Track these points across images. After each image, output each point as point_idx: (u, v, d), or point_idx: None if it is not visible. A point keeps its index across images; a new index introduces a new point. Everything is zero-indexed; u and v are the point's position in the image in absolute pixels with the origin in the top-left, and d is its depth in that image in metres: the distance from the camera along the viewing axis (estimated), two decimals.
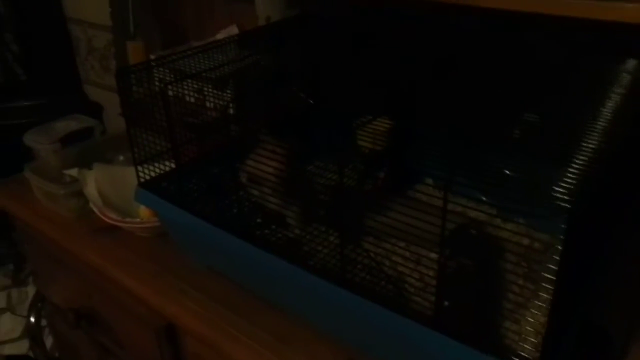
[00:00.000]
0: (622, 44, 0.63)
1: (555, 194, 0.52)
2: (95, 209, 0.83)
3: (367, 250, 0.66)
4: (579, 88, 0.67)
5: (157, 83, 0.79)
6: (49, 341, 1.17)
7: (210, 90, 0.89)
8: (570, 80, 0.68)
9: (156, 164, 0.73)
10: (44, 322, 1.18)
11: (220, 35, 1.11)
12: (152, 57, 1.15)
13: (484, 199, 0.71)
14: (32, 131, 0.99)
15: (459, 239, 0.65)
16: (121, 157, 0.97)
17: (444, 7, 0.67)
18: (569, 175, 0.54)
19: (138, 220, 0.81)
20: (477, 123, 0.75)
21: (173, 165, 0.72)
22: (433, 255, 0.56)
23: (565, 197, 0.49)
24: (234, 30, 1.10)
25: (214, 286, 0.72)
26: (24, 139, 0.98)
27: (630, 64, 0.64)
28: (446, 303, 0.57)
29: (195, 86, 0.76)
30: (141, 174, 0.73)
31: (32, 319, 1.12)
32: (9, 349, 1.30)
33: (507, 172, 0.74)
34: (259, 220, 0.70)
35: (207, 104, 0.92)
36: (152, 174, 0.73)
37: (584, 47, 0.68)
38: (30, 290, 1.31)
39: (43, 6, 1.55)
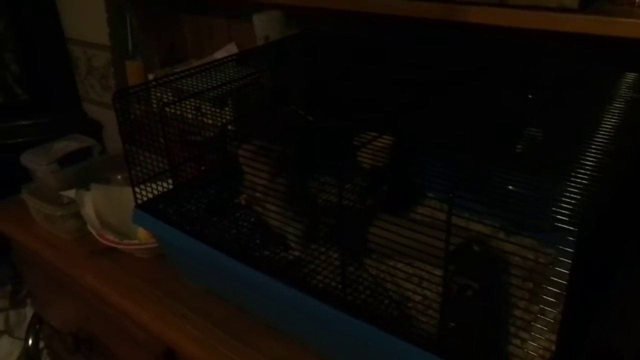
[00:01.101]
0: (623, 58, 0.63)
1: (561, 209, 0.51)
2: (92, 231, 0.81)
3: (369, 271, 0.65)
4: (580, 102, 0.67)
5: (154, 103, 0.79)
6: None
7: (209, 108, 0.88)
8: (572, 95, 0.67)
9: (155, 184, 0.72)
10: (42, 345, 1.16)
11: (219, 54, 1.11)
12: (151, 76, 1.14)
13: (487, 215, 0.70)
14: (29, 152, 0.98)
15: (462, 257, 0.64)
16: (119, 177, 0.96)
17: (442, 24, 0.67)
18: (574, 189, 0.53)
19: (136, 242, 0.79)
20: (479, 138, 0.74)
21: (171, 186, 0.71)
22: (437, 273, 0.54)
23: (573, 212, 0.48)
24: (233, 48, 1.10)
25: (215, 310, 0.70)
26: (22, 160, 0.97)
27: (631, 77, 0.63)
28: (451, 324, 0.55)
29: (194, 105, 0.76)
30: (139, 195, 0.72)
31: (30, 342, 1.10)
32: None
33: (511, 187, 0.73)
34: (258, 240, 0.69)
35: (206, 122, 0.91)
36: (150, 194, 0.72)
37: (585, 61, 0.67)
38: (29, 312, 1.29)
39: (43, 27, 1.56)
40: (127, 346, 0.82)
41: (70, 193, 0.87)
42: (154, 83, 0.79)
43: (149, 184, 0.72)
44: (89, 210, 0.82)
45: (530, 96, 0.66)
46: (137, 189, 0.71)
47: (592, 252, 0.51)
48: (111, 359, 0.89)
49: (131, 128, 0.78)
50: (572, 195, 0.51)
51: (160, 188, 0.71)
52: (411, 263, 0.61)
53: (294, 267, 0.63)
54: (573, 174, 0.62)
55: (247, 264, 0.60)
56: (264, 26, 0.83)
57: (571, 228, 0.44)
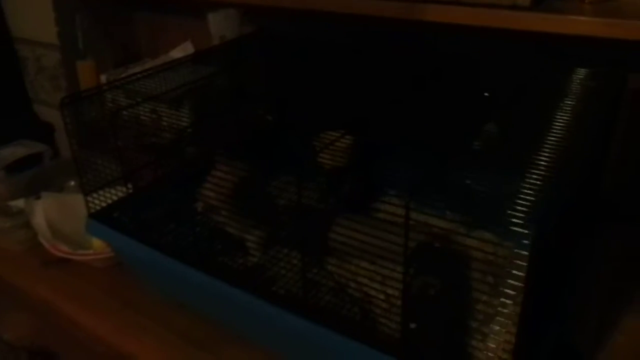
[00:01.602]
0: (575, 55, 0.64)
1: (517, 207, 0.52)
2: (44, 242, 0.78)
3: (331, 272, 0.65)
4: (535, 98, 0.67)
5: (109, 106, 0.76)
6: None
7: (165, 110, 0.85)
8: (527, 92, 0.68)
9: (109, 191, 0.69)
10: None
11: (174, 53, 1.08)
12: (104, 77, 1.11)
13: (447, 211, 0.70)
14: None
15: (423, 255, 0.64)
16: (72, 183, 0.93)
17: (400, 24, 0.66)
18: (529, 186, 0.54)
19: (92, 251, 0.77)
20: (436, 136, 0.74)
21: (128, 192, 0.69)
22: (399, 271, 0.54)
23: (528, 210, 0.49)
24: (188, 46, 1.07)
25: (176, 319, 0.68)
26: None
27: (582, 73, 0.64)
28: (412, 325, 0.55)
29: (149, 107, 0.73)
30: (92, 204, 0.69)
31: None
32: None
33: (469, 182, 0.74)
34: (219, 246, 0.67)
35: (163, 124, 0.89)
36: (104, 203, 0.69)
37: (541, 58, 0.68)
38: None
39: None
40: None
41: (19, 203, 0.83)
42: (105, 87, 0.76)
43: (103, 192, 0.69)
44: (39, 220, 0.79)
45: (486, 94, 0.67)
46: (89, 198, 0.68)
47: (549, 250, 0.51)
48: None
49: (83, 133, 0.75)
50: (528, 192, 0.52)
51: (115, 195, 0.69)
52: (374, 261, 0.61)
53: (254, 274, 0.62)
54: (528, 170, 0.63)
55: (205, 272, 0.59)
56: (220, 25, 0.81)
57: (524, 231, 0.44)
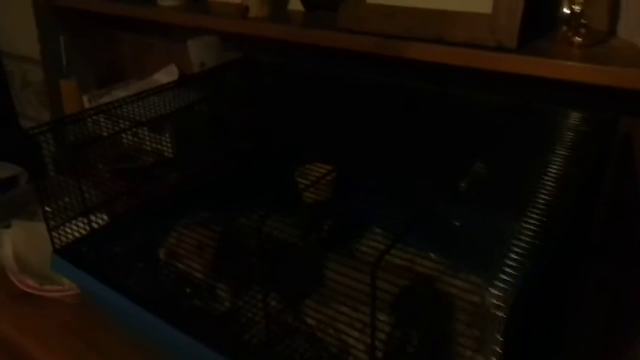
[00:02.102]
0: (567, 96, 0.61)
1: (506, 250, 0.49)
2: (10, 275, 0.75)
3: (306, 321, 0.61)
4: (525, 140, 0.65)
5: (88, 130, 0.73)
6: None
7: (146, 134, 0.83)
8: (516, 132, 0.65)
9: (79, 223, 0.66)
10: None
11: (158, 75, 1.05)
12: (86, 97, 1.08)
13: (432, 253, 0.68)
14: None
15: (405, 301, 0.61)
16: (49, 209, 0.89)
17: (384, 57, 0.64)
18: (521, 228, 0.51)
19: (59, 287, 0.73)
20: (422, 173, 0.71)
21: (95, 226, 0.65)
22: (382, 319, 0.51)
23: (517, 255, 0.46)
24: (173, 70, 1.05)
25: None
26: None
27: (574, 116, 0.61)
28: None
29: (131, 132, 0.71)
30: (57, 238, 0.66)
31: None
32: None
33: (456, 223, 0.71)
34: (188, 290, 0.64)
35: (146, 148, 0.86)
36: (74, 235, 0.66)
37: (530, 98, 0.65)
38: None
39: None
40: None
41: None
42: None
43: (73, 223, 0.66)
44: (7, 252, 0.75)
45: (475, 136, 0.64)
46: (54, 233, 0.65)
47: (535, 300, 0.49)
48: None
49: (62, 157, 0.72)
50: (516, 236, 0.50)
51: (85, 228, 0.65)
52: (355, 307, 0.58)
53: (224, 322, 0.58)
54: (517, 213, 0.60)
55: (169, 322, 0.55)
56: (199, 53, 0.78)
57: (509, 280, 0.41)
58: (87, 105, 1.06)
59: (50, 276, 0.75)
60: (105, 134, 0.72)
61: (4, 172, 0.94)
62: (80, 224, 0.66)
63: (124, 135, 0.74)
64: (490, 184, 0.69)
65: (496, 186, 0.68)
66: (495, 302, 0.50)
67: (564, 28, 0.55)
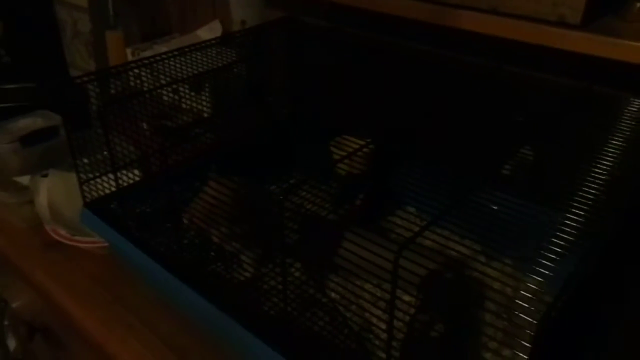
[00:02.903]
0: (628, 83, 0.55)
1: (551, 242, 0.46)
2: (44, 224, 0.76)
3: (329, 295, 0.60)
4: (581, 128, 0.60)
5: (132, 82, 0.72)
6: (12, 342, 1.12)
7: (186, 91, 0.82)
8: (574, 119, 0.60)
9: (112, 179, 0.65)
10: (7, 323, 1.13)
11: (201, 32, 1.03)
12: (129, 50, 1.07)
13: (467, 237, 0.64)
14: None
15: (432, 285, 0.58)
16: (85, 160, 0.90)
17: (436, 26, 0.59)
18: (568, 219, 0.48)
19: (89, 239, 0.74)
20: (464, 154, 0.67)
21: (126, 183, 0.65)
22: (406, 299, 0.49)
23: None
24: (216, 26, 1.02)
25: (163, 322, 0.65)
26: None
27: (636, 104, 0.56)
28: None
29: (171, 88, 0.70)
30: (87, 192, 0.66)
31: None
32: None
33: (495, 207, 0.67)
34: (212, 253, 0.63)
35: (183, 107, 0.85)
36: (102, 191, 0.66)
37: (590, 80, 0.60)
38: None
39: None
40: (78, 345, 0.78)
41: (25, 179, 0.81)
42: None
43: (105, 179, 0.66)
44: (42, 200, 0.77)
45: (520, 119, 0.59)
46: (84, 187, 0.65)
47: (579, 298, 0.45)
48: (66, 354, 0.85)
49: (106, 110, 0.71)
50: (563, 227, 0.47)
51: (113, 184, 0.65)
52: (380, 285, 0.56)
53: (244, 290, 0.57)
54: (565, 202, 0.56)
55: (190, 284, 0.55)
56: (241, 10, 0.75)
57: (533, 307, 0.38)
58: (130, 58, 1.05)
59: (82, 227, 0.76)
60: (145, 89, 0.71)
61: (46, 121, 0.95)
62: (112, 181, 0.65)
63: (164, 92, 0.73)
64: (536, 171, 0.64)
65: (543, 174, 0.64)
66: (529, 295, 0.47)
67: (638, 5, 0.49)
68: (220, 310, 0.52)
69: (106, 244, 0.74)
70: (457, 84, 0.66)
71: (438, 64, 0.68)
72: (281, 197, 0.46)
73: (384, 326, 0.52)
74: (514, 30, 0.51)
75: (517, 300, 0.47)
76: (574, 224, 0.55)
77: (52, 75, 1.56)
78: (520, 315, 0.45)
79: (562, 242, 0.55)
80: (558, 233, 0.57)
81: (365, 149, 0.68)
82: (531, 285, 0.48)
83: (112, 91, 0.77)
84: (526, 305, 0.46)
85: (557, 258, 0.54)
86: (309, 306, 0.59)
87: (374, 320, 0.55)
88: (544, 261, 0.53)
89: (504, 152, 0.63)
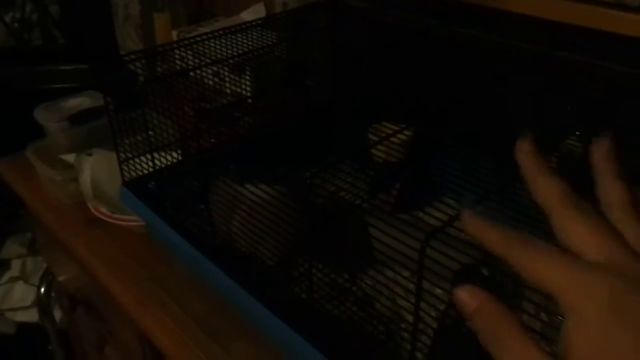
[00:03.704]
0: None
1: None
2: (87, 201, 0.78)
3: (359, 285, 0.59)
4: (635, 118, 0.56)
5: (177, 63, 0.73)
6: (58, 313, 1.17)
7: (226, 74, 0.82)
8: (629, 110, 0.56)
9: (149, 158, 0.67)
10: (54, 294, 1.18)
11: (245, 14, 1.03)
12: (175, 33, 1.08)
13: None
14: (42, 106, 0.95)
15: (467, 280, 0.56)
16: (126, 141, 0.92)
17: (482, 9, 0.56)
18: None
19: (128, 217, 0.76)
20: (510, 144, 0.64)
21: (163, 164, 0.66)
22: (438, 292, 0.47)
23: None
24: (260, 8, 1.02)
25: (197, 302, 0.66)
26: (34, 115, 0.94)
27: None
28: None
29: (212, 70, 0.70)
30: (127, 172, 0.67)
31: (43, 290, 1.12)
32: (20, 316, 1.32)
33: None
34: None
35: (225, 90, 0.85)
36: (141, 170, 0.67)
37: None
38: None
39: None
40: (116, 318, 0.81)
41: (71, 157, 0.83)
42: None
43: (139, 159, 0.67)
44: (86, 178, 0.79)
45: (569, 108, 0.56)
46: (124, 166, 0.67)
47: None
48: (106, 325, 0.88)
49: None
50: None
51: (165, 159, 0.66)
52: (412, 276, 0.55)
53: (275, 273, 0.57)
54: None
55: (220, 266, 0.55)
56: None
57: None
58: (175, 40, 1.06)
59: (122, 206, 0.78)
60: (191, 72, 0.72)
61: (94, 102, 0.97)
62: (150, 161, 0.66)
63: (205, 75, 0.74)
64: (585, 164, 0.61)
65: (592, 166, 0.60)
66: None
67: None
68: (248, 294, 0.52)
69: (143, 223, 0.75)
70: (503, 70, 0.63)
71: (483, 49, 0.65)
72: (309, 180, 0.45)
73: (412, 319, 0.51)
74: (566, 13, 0.48)
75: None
76: None
77: (104, 58, 1.60)
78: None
79: None
80: None
81: (403, 136, 0.66)
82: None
83: (158, 69, 0.78)
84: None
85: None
86: (338, 294, 0.59)
87: (404, 312, 0.53)
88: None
89: (550, 143, 0.60)
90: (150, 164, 0.65)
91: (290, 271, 0.57)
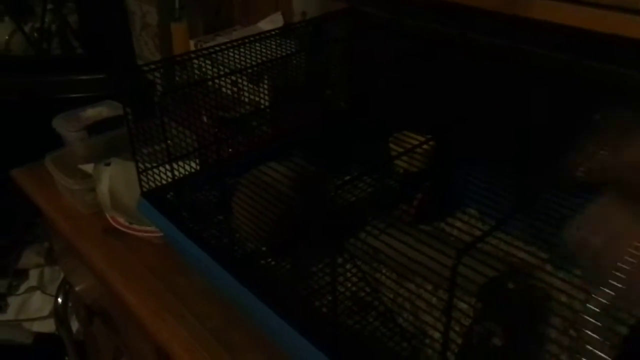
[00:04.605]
0: None
1: None
2: (104, 211, 0.78)
3: (381, 298, 0.57)
4: None
5: (196, 73, 0.73)
6: (75, 323, 1.17)
7: (244, 83, 0.81)
8: None
9: (167, 168, 0.66)
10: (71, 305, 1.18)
11: (263, 24, 1.03)
12: (192, 42, 1.09)
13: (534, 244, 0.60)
14: (61, 116, 0.95)
15: (492, 294, 0.55)
16: (145, 151, 0.92)
17: (503, 18, 0.55)
18: None
19: (146, 227, 0.75)
20: (533, 154, 0.63)
21: (181, 174, 0.65)
22: (462, 306, 0.46)
23: None
24: (278, 19, 1.01)
25: (214, 314, 0.65)
26: (53, 124, 0.95)
27: None
28: None
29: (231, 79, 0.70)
30: (145, 183, 0.67)
31: (60, 300, 1.12)
32: (37, 326, 1.32)
33: (567, 213, 0.62)
34: (264, 248, 0.62)
35: (244, 99, 0.85)
36: (160, 181, 0.67)
37: None
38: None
39: None
40: (133, 330, 0.80)
41: (89, 167, 0.83)
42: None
43: (159, 169, 0.66)
44: (104, 188, 0.78)
45: (598, 117, 0.54)
46: (142, 177, 0.66)
47: None
48: (122, 337, 0.87)
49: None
50: None
51: (184, 168, 0.65)
52: (436, 290, 0.53)
53: (295, 286, 0.56)
54: None
55: (239, 278, 0.54)
56: (302, 1, 0.74)
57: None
58: (192, 50, 1.06)
59: (140, 216, 0.78)
60: (209, 82, 0.72)
61: (112, 111, 0.98)
62: (168, 171, 0.66)
63: (223, 84, 0.73)
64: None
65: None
66: (599, 310, 0.43)
67: None
68: (267, 306, 0.51)
69: (161, 234, 0.75)
70: (528, 79, 0.61)
71: (507, 58, 0.64)
72: (333, 193, 0.44)
73: (437, 334, 0.49)
74: (595, 21, 0.46)
75: (585, 316, 0.43)
76: None
77: (122, 67, 1.61)
78: (589, 333, 0.41)
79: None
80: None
81: (425, 146, 0.65)
82: (602, 300, 0.44)
83: (177, 79, 0.78)
84: (596, 322, 0.42)
85: (634, 270, 0.49)
86: (360, 308, 0.57)
87: (428, 328, 0.52)
88: (618, 273, 0.48)
89: (578, 153, 0.59)
90: (169, 174, 0.65)
91: (311, 285, 0.56)
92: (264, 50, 0.78)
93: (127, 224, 0.76)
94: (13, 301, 1.37)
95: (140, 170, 0.66)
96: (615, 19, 0.45)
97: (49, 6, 1.58)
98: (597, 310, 0.42)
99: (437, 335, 0.50)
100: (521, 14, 0.51)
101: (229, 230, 0.57)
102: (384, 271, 0.60)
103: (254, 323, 0.60)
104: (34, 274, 1.37)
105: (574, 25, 0.49)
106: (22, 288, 1.38)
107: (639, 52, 0.49)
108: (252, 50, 0.77)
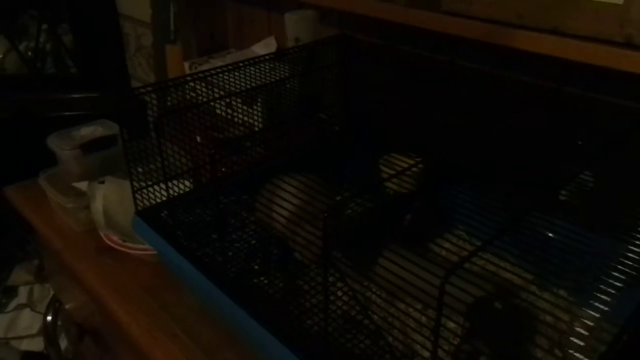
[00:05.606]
0: None
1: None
2: (98, 229, 0.79)
3: (371, 317, 0.59)
4: None
5: (189, 95, 0.74)
6: (64, 342, 1.16)
7: (239, 105, 0.83)
8: (637, 144, 0.56)
9: (165, 187, 0.67)
10: (60, 323, 1.17)
11: (256, 47, 1.05)
12: (187, 64, 1.11)
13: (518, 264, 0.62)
14: (55, 135, 0.97)
15: (479, 315, 0.56)
16: (140, 170, 0.93)
17: (490, 45, 0.58)
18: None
19: (140, 246, 0.76)
20: (521, 177, 0.65)
21: (176, 192, 0.67)
22: (451, 325, 0.47)
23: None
24: (271, 43, 1.04)
25: (207, 333, 0.66)
26: (47, 142, 0.96)
27: None
28: None
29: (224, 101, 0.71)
30: (140, 201, 0.68)
31: (49, 318, 1.11)
32: (26, 344, 1.31)
33: (550, 235, 0.64)
34: (256, 266, 0.63)
35: (236, 120, 0.86)
36: (154, 199, 0.68)
37: None
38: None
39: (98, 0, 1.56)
40: (125, 349, 0.80)
41: (83, 185, 0.84)
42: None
43: (152, 188, 0.68)
44: (98, 206, 0.79)
45: (579, 142, 0.57)
46: (137, 195, 0.67)
47: None
48: (112, 355, 0.87)
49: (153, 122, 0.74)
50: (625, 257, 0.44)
51: (178, 187, 0.67)
52: (424, 309, 0.55)
53: (287, 304, 0.57)
54: (627, 231, 0.53)
55: (233, 297, 0.55)
56: (295, 27, 0.76)
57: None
58: (187, 71, 1.08)
59: (134, 234, 0.78)
60: (200, 102, 0.73)
61: (106, 130, 0.99)
62: (163, 190, 0.67)
63: (217, 105, 0.75)
64: (596, 197, 0.61)
65: (603, 200, 0.60)
66: (584, 331, 0.44)
67: None
68: (260, 325, 0.52)
69: (155, 252, 0.76)
70: (513, 105, 0.64)
71: (494, 84, 0.67)
72: (325, 214, 0.45)
73: (427, 353, 0.50)
74: (576, 51, 0.49)
75: (570, 337, 0.44)
76: (637, 256, 0.52)
77: (115, 87, 1.63)
78: (574, 354, 0.43)
79: (622, 275, 0.52)
80: (618, 265, 0.53)
81: (415, 168, 0.67)
82: (587, 321, 0.45)
83: (169, 103, 0.79)
84: (581, 342, 0.43)
85: (617, 292, 0.50)
86: (351, 326, 0.58)
87: (418, 347, 0.53)
88: (601, 295, 0.50)
89: (561, 176, 0.61)
90: (164, 193, 0.66)
91: (303, 303, 0.57)
92: (258, 74, 0.80)
93: (120, 242, 0.77)
94: (1, 319, 1.36)
95: (135, 188, 0.67)
96: (592, 50, 0.47)
97: (44, 26, 1.60)
98: (583, 331, 0.44)
99: (426, 354, 0.51)
100: (505, 43, 0.53)
101: (222, 249, 0.58)
102: (374, 290, 0.61)
103: (247, 341, 0.60)
104: (23, 292, 1.36)
105: (555, 55, 0.51)
106: (11, 305, 1.36)
107: (617, 80, 0.51)
108: (247, 73, 0.79)
